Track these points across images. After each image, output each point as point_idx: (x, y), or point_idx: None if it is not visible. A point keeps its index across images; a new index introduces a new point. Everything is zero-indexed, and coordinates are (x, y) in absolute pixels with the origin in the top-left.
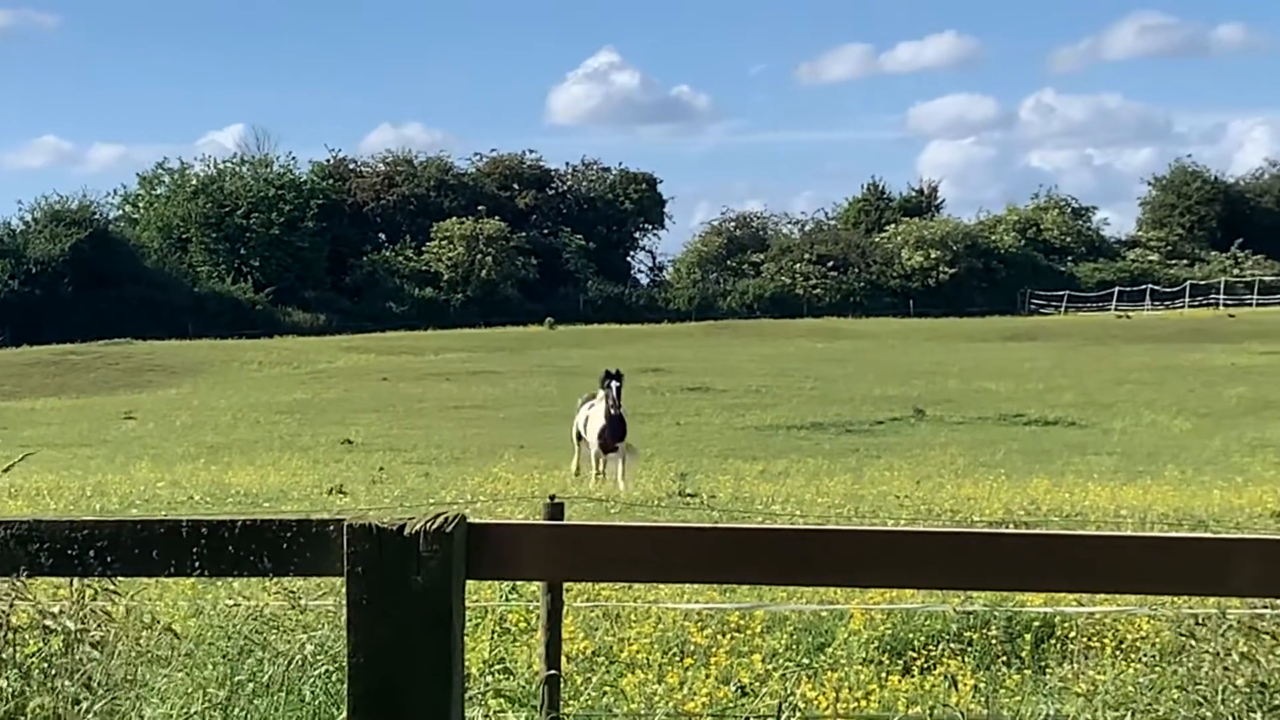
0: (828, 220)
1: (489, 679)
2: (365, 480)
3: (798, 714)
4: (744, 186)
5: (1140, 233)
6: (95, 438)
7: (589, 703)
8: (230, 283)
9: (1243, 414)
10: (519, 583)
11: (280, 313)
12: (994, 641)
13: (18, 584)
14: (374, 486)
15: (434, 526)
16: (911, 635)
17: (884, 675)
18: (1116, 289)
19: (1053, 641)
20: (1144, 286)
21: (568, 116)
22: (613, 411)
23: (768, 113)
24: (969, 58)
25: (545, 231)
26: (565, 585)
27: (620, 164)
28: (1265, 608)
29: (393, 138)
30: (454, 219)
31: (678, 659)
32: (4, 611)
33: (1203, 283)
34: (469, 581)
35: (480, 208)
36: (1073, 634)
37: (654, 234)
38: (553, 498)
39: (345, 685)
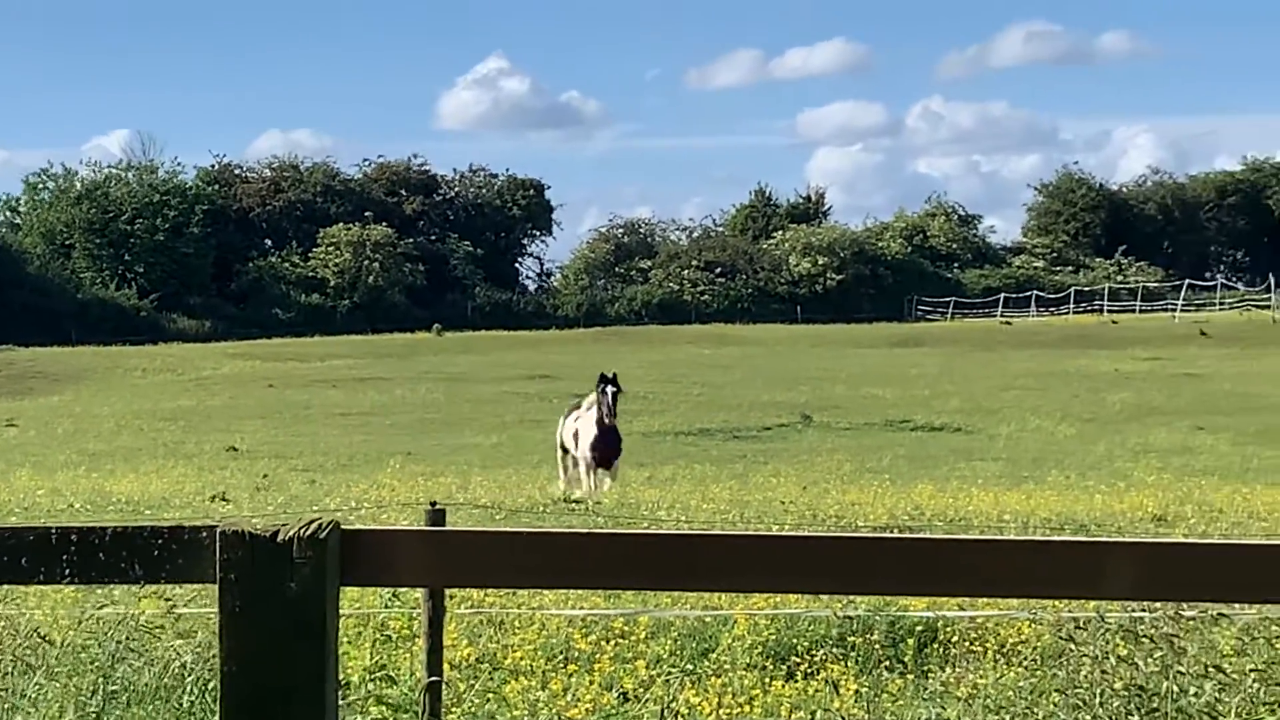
0: (716, 227)
1: (370, 686)
2: (249, 488)
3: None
4: (634, 192)
5: (1026, 239)
6: None
7: (471, 709)
8: (114, 289)
9: (1126, 419)
10: (402, 589)
11: (165, 319)
12: (877, 646)
13: None
14: (258, 494)
15: (307, 533)
16: (795, 640)
17: (768, 680)
18: (1002, 295)
19: (935, 645)
20: (1029, 293)
21: (457, 122)
22: (606, 421)
23: (657, 118)
24: (858, 64)
25: (433, 238)
26: (448, 592)
27: (508, 170)
28: (1144, 611)
29: (280, 143)
30: (341, 225)
31: (562, 665)
32: None
33: (1087, 289)
34: (351, 589)
35: (367, 214)
36: (955, 638)
37: (542, 240)
38: (434, 504)
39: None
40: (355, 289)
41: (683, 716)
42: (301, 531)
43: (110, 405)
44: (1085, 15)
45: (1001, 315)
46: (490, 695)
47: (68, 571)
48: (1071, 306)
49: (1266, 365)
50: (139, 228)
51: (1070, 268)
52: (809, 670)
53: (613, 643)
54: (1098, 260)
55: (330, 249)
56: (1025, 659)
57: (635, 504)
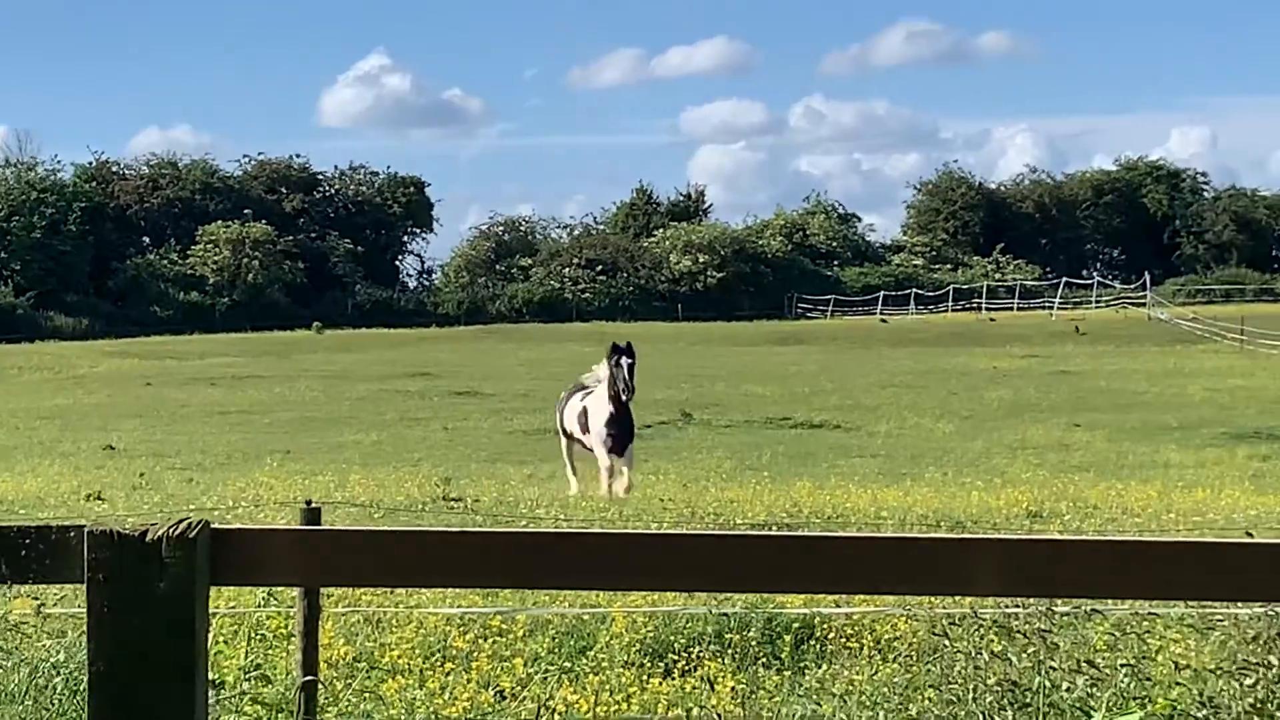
0: (597, 225)
1: (246, 686)
2: (126, 486)
3: (556, 717)
4: (516, 190)
5: (905, 238)
6: None
7: (348, 708)
8: None
9: (1004, 416)
10: (278, 588)
11: (42, 317)
12: (753, 643)
13: None
14: (134, 493)
15: (176, 532)
16: (673, 638)
17: (645, 678)
18: (881, 293)
19: (812, 642)
20: (909, 291)
21: (339, 119)
22: (624, 397)
23: (540, 117)
24: (740, 63)
25: (313, 235)
26: (326, 590)
27: (389, 168)
28: (1017, 607)
29: (159, 140)
30: (220, 223)
31: (439, 663)
32: None
33: (965, 287)
34: (227, 588)
35: (247, 211)
36: (831, 635)
37: (423, 238)
38: (309, 503)
39: None
40: (234, 287)
41: (559, 714)
42: (171, 531)
43: None
44: (966, 15)
45: (881, 313)
46: (367, 694)
47: None
48: (950, 304)
49: (1141, 362)
50: (15, 225)
51: (949, 266)
52: (686, 668)
53: (490, 641)
54: (976, 258)
55: (209, 247)
56: (901, 655)
57: (515, 502)
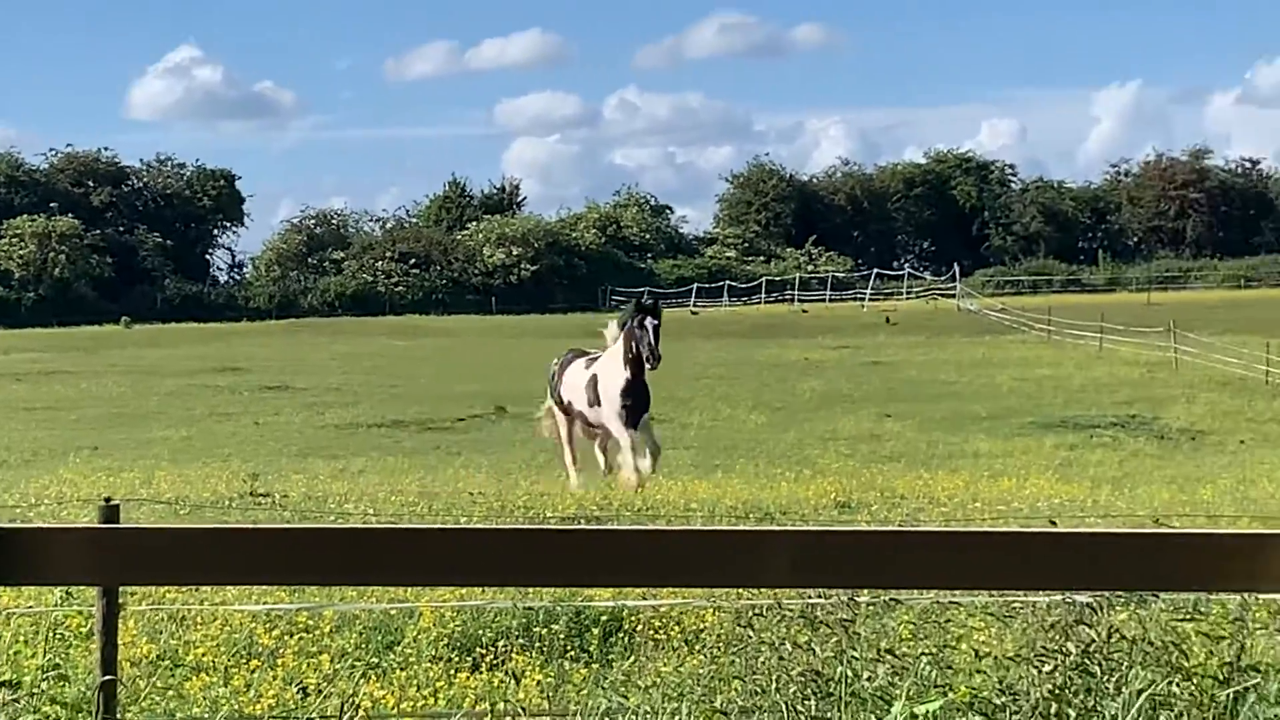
0: (410, 218)
1: (45, 686)
2: None
3: (360, 713)
4: (329, 183)
5: (718, 230)
6: None
7: (150, 706)
8: None
9: (815, 407)
10: (76, 587)
11: None
12: (560, 636)
13: None
14: None
15: None
16: (481, 632)
17: (453, 672)
18: (695, 285)
19: (621, 635)
20: (722, 283)
21: (148, 112)
22: (649, 363)
23: (353, 109)
24: (554, 56)
25: (121, 229)
26: (130, 588)
27: (199, 161)
28: (820, 597)
29: None
30: (25, 217)
31: (245, 661)
32: None
33: (778, 279)
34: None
35: (53, 205)
36: (640, 627)
37: (233, 231)
38: (108, 500)
39: None
40: (41, 281)
41: (365, 710)
42: None
43: None
44: (779, 8)
45: (694, 305)
46: (170, 692)
47: None
48: (763, 296)
49: (951, 353)
50: None
51: (762, 258)
52: (495, 662)
53: (297, 637)
54: (789, 250)
55: (14, 241)
56: (708, 646)
57: (323, 497)
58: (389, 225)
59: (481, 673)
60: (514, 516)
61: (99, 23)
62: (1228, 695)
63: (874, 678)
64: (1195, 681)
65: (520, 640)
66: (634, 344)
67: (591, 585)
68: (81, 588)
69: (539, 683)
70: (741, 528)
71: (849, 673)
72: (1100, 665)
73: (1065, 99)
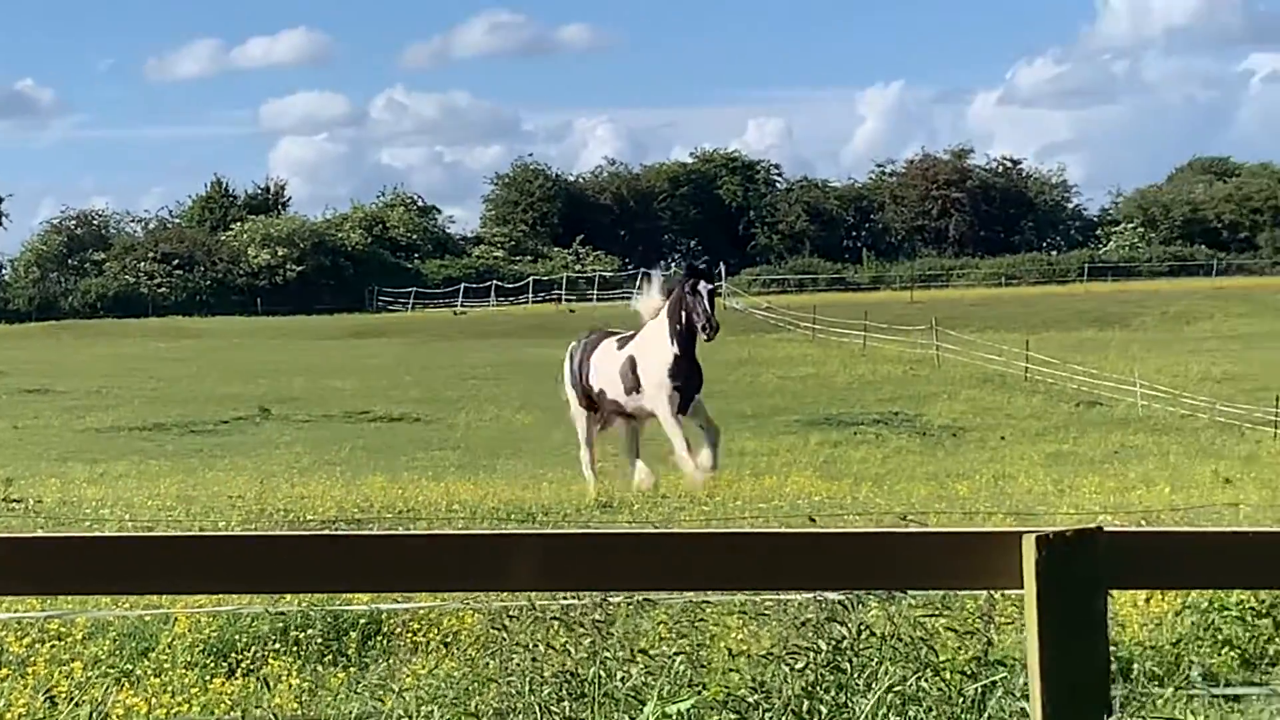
0: (173, 218)
1: None
2: None
3: None
4: (91, 184)
5: (485, 230)
6: None
7: None
8: None
9: None
10: None
11: None
12: (317, 640)
13: None
14: None
15: None
16: (237, 637)
17: (208, 678)
18: (462, 285)
19: (379, 638)
20: (489, 283)
21: None
22: (706, 335)
23: (116, 108)
24: (321, 54)
25: None
26: None
27: None
28: (574, 598)
29: None
30: None
31: None
32: None
33: (546, 278)
34: None
35: None
36: (398, 630)
37: None
38: None
39: None
40: None
41: (115, 717)
42: None
43: None
44: (546, 7)
45: (461, 305)
46: None
47: None
48: (530, 296)
49: (717, 351)
50: None
51: (529, 257)
52: (251, 667)
53: (49, 645)
54: (556, 250)
55: None
56: (464, 649)
57: (78, 502)
58: (151, 226)
59: (237, 678)
60: (273, 520)
61: None
62: (976, 689)
63: (628, 678)
64: (944, 676)
65: (277, 645)
66: (684, 313)
67: (332, 591)
68: None
69: (294, 688)
70: (487, 531)
71: (602, 673)
72: (851, 662)
73: (831, 99)
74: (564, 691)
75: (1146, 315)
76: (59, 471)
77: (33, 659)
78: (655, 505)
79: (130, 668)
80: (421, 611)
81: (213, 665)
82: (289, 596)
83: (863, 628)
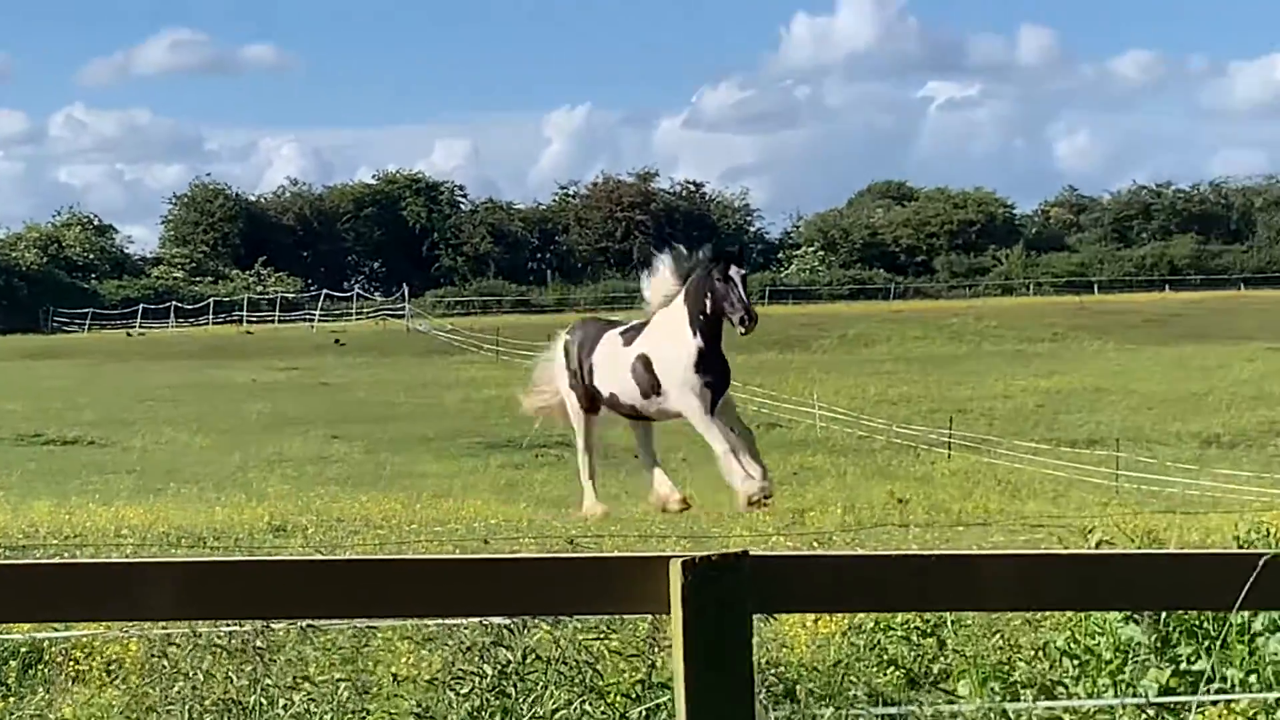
0: None
1: None
2: None
3: None
4: None
5: (165, 250)
6: None
7: None
8: None
9: (262, 430)
10: None
11: None
12: None
13: None
14: None
15: None
16: None
17: None
18: (141, 306)
19: (41, 667)
20: (169, 304)
21: None
22: (743, 327)
23: None
24: None
25: None
26: None
27: None
28: (236, 626)
29: None
30: None
31: None
32: None
33: (226, 300)
34: None
35: None
36: (60, 658)
37: None
38: None
39: None
40: None
41: None
42: None
43: None
44: (230, 26)
45: (139, 326)
46: None
47: None
48: (211, 317)
49: (400, 374)
50: None
51: (210, 278)
52: None
53: None
54: (236, 271)
55: None
56: (126, 677)
57: None
58: None
59: None
60: None
61: None
62: (639, 712)
63: (290, 705)
64: (608, 700)
65: None
66: (709, 300)
67: None
68: None
69: None
70: (120, 560)
71: (264, 700)
72: (516, 686)
73: (518, 121)
74: (226, 718)
75: (826, 338)
76: None
77: None
78: (330, 529)
79: None
80: (84, 639)
81: None
82: None
83: (529, 652)
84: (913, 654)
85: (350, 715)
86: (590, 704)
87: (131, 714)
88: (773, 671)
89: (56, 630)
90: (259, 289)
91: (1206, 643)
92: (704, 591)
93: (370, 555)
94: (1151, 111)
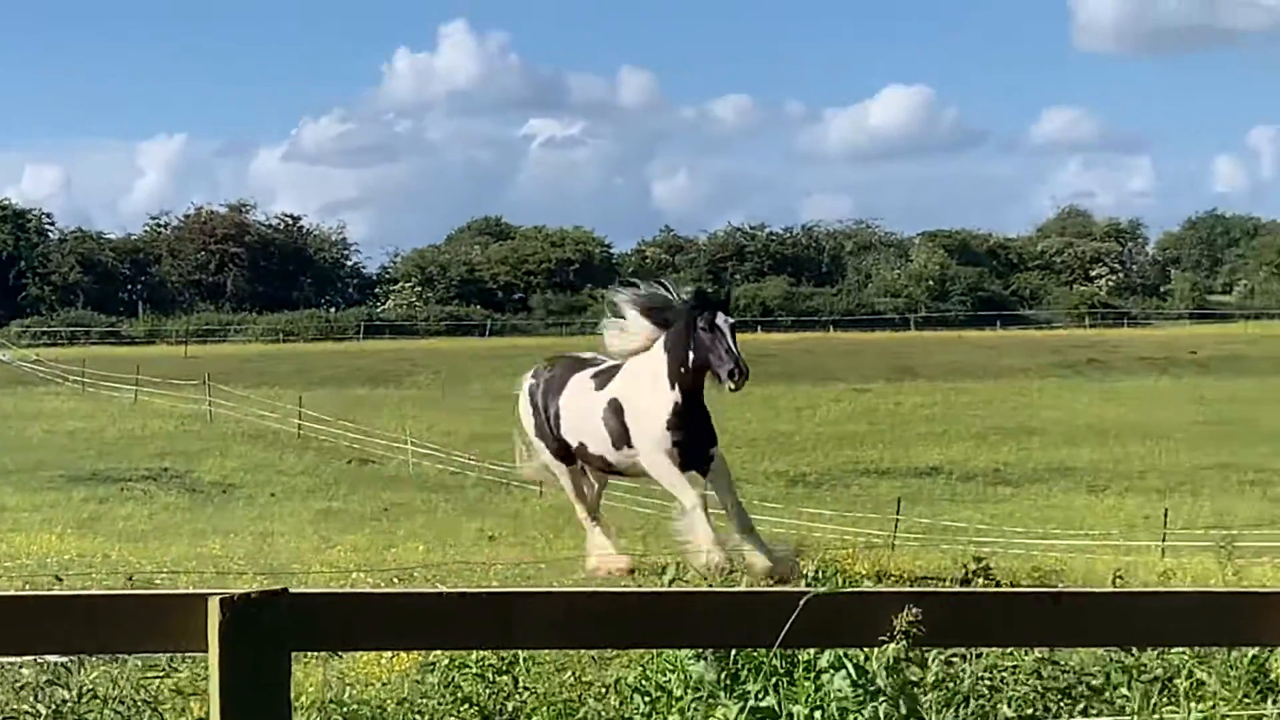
0: None
1: None
2: None
3: None
4: None
5: None
6: None
7: None
8: None
9: None
10: None
11: None
12: None
13: None
14: None
15: None
16: None
17: None
18: None
19: None
20: None
21: None
22: (735, 383)
23: None
24: None
25: None
26: None
27: None
28: None
29: None
30: None
31: None
32: None
33: None
34: None
35: None
36: None
37: None
38: None
39: None
40: None
41: None
42: None
43: None
44: None
45: None
46: None
47: None
48: None
49: None
50: None
51: None
52: None
53: None
54: None
55: None
56: None
57: None
58: None
59: None
60: None
61: None
62: None
63: None
64: None
65: None
66: (693, 353)
67: None
68: None
69: None
70: None
71: None
72: None
73: (111, 148)
74: None
75: (421, 373)
76: None
77: None
78: None
79: None
80: None
81: None
82: None
83: (85, 690)
84: (488, 691)
85: None
86: None
87: None
88: (339, 712)
89: None
90: None
91: (775, 679)
92: (240, 629)
93: None
94: (748, 155)
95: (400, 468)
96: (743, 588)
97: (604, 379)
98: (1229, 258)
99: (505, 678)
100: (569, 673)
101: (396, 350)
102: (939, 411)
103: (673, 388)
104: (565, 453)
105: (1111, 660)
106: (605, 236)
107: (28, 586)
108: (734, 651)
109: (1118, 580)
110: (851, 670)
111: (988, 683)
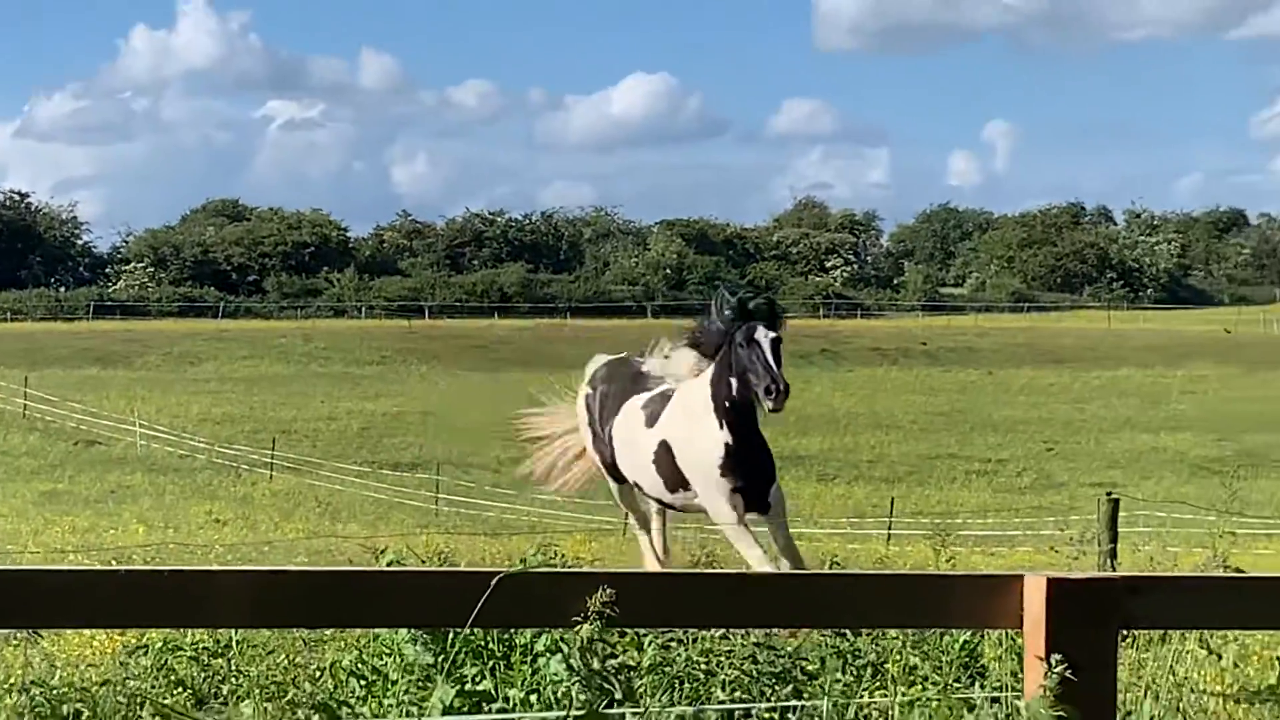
0: None
1: None
2: None
3: None
4: None
5: None
6: None
7: None
8: None
9: None
10: None
11: None
12: None
13: None
14: None
15: None
16: None
17: None
18: None
19: None
20: None
21: None
22: (773, 403)
23: None
24: None
25: None
26: None
27: None
28: None
29: None
30: None
31: None
32: None
33: None
34: None
35: None
36: None
37: None
38: None
39: None
40: None
41: None
42: None
43: None
44: None
45: None
46: None
47: None
48: None
49: None
50: None
51: None
52: None
53: None
54: None
55: None
56: None
57: None
58: None
59: None
60: None
61: None
62: None
63: None
64: None
65: None
66: (734, 377)
67: None
68: None
69: None
70: None
71: None
72: None
73: None
74: None
75: (151, 355)
76: None
77: None
78: None
79: None
80: None
81: None
82: None
83: None
84: (203, 674)
85: None
86: None
87: None
88: (44, 694)
89: None
90: None
91: (491, 663)
92: None
93: None
94: (490, 141)
95: (128, 449)
96: (447, 568)
97: (654, 412)
98: (961, 251)
99: (219, 660)
100: (282, 655)
101: (127, 331)
102: None
103: (721, 427)
104: (620, 475)
105: (826, 645)
106: (342, 220)
107: None
108: (451, 634)
109: (833, 566)
110: (568, 654)
111: (704, 667)
